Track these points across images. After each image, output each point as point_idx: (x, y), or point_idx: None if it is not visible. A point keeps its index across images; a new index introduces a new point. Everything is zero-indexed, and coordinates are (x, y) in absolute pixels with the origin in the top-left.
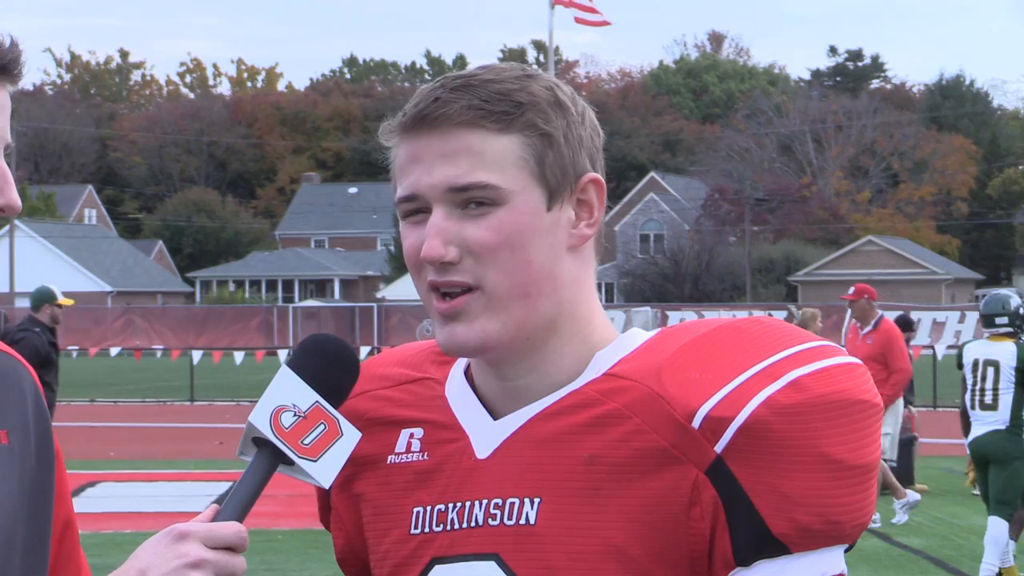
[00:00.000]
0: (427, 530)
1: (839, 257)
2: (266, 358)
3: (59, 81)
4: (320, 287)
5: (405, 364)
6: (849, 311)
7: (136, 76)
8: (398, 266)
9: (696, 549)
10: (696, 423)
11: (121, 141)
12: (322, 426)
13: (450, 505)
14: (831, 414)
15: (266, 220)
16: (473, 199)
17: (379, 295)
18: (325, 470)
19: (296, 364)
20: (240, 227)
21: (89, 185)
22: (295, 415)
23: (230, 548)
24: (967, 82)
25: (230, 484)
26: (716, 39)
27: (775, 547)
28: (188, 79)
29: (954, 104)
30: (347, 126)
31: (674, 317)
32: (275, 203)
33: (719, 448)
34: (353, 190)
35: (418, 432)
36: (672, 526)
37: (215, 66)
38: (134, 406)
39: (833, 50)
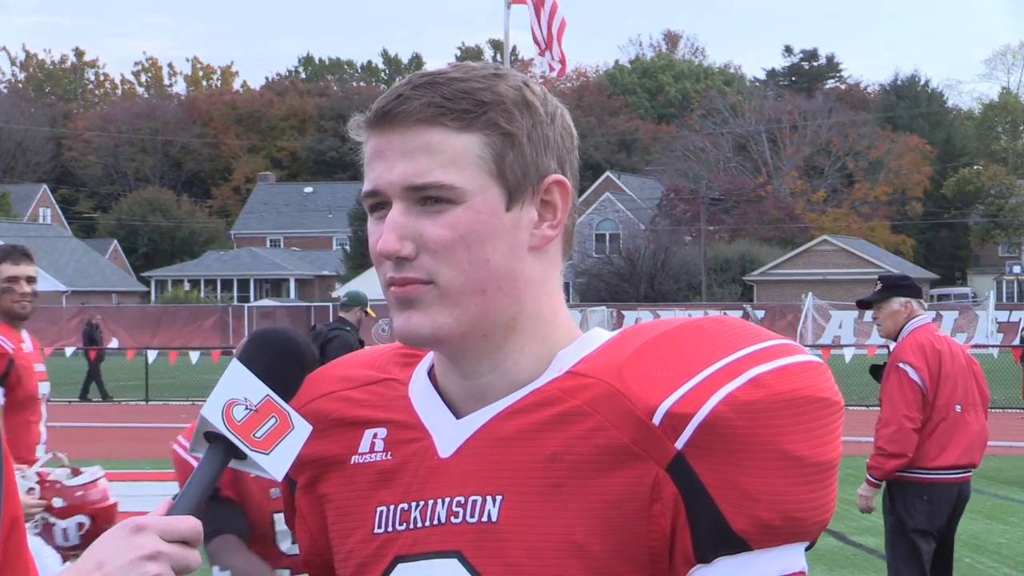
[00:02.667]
0: (390, 529)
1: (794, 257)
2: (222, 358)
3: (13, 80)
4: (276, 287)
5: (368, 366)
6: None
7: (91, 75)
8: (354, 266)
9: (656, 546)
10: (657, 419)
11: (76, 140)
12: (273, 419)
13: (413, 504)
14: (791, 411)
15: (221, 219)
16: (430, 196)
17: (335, 294)
18: (277, 463)
19: (246, 358)
20: (195, 226)
21: (44, 184)
22: (247, 408)
23: (185, 541)
24: (922, 82)
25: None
26: (672, 39)
27: (735, 543)
28: (143, 78)
29: (909, 104)
30: (302, 125)
31: (630, 317)
32: (230, 202)
33: (679, 444)
34: (308, 189)
35: (381, 432)
36: (633, 523)
37: (170, 65)
38: (88, 406)
39: (788, 50)
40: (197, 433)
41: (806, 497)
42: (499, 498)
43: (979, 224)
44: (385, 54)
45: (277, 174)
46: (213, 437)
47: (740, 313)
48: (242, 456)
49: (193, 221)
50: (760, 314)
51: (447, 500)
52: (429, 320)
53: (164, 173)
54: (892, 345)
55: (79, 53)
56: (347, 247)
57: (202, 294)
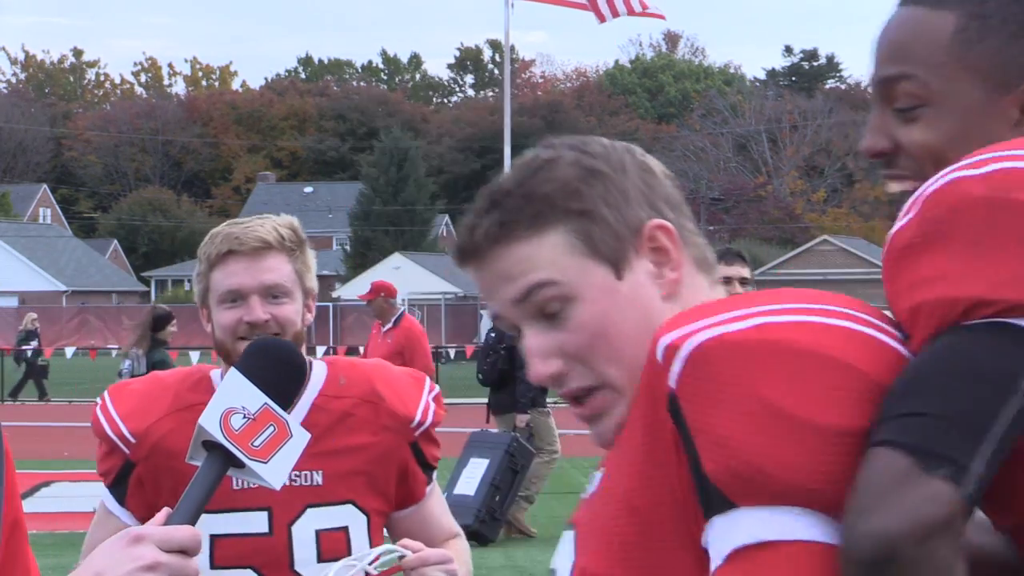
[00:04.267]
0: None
1: (794, 257)
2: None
3: (13, 80)
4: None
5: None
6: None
7: (91, 75)
8: (354, 266)
9: (679, 496)
10: (659, 355)
11: (76, 140)
12: (271, 428)
13: None
14: (784, 359)
15: (221, 219)
16: (545, 308)
17: (335, 294)
18: (275, 471)
19: (244, 367)
20: (195, 226)
21: (44, 184)
22: (244, 417)
23: (183, 551)
24: None
25: None
26: (671, 39)
27: (720, 497)
28: (143, 78)
29: None
30: (303, 125)
31: None
32: (230, 202)
33: (671, 382)
34: (308, 189)
35: None
36: (664, 472)
37: (170, 65)
38: (89, 405)
39: (788, 50)
40: (195, 442)
41: (787, 456)
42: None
43: None
44: (384, 54)
45: (277, 174)
46: (211, 446)
47: None
48: (240, 464)
49: (193, 221)
50: None
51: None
52: (616, 419)
53: (164, 173)
54: None
55: (78, 53)
56: (347, 247)
57: None
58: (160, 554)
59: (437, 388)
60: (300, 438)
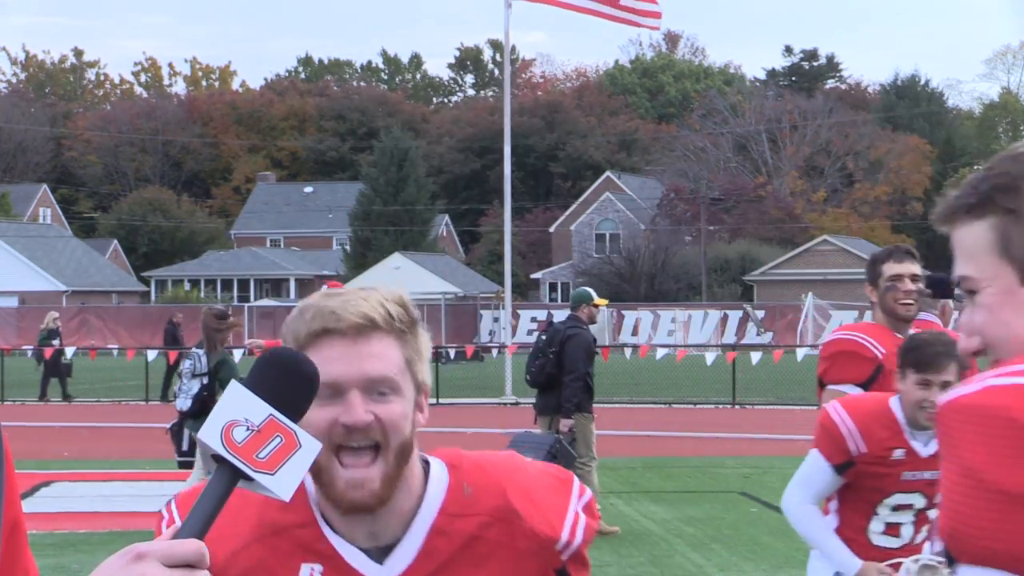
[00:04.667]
0: None
1: (794, 257)
2: None
3: (14, 80)
4: (276, 287)
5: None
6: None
7: (91, 75)
8: (354, 266)
9: None
10: None
11: (76, 140)
12: (278, 438)
13: None
14: (984, 425)
15: (221, 219)
16: (967, 289)
17: None
18: (283, 483)
19: (252, 378)
20: (195, 226)
21: (44, 184)
22: (248, 429)
23: (190, 565)
24: (922, 82)
25: (184, 484)
26: (672, 39)
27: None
28: (143, 78)
29: (909, 104)
30: (302, 125)
31: (630, 317)
32: (230, 202)
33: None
34: (309, 189)
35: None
36: None
37: (170, 65)
38: (89, 405)
39: (788, 50)
40: (204, 455)
41: (977, 517)
42: None
43: None
44: (384, 54)
45: (277, 174)
46: (219, 459)
47: (740, 313)
48: (249, 477)
49: (193, 221)
50: (760, 314)
51: None
52: None
53: (164, 173)
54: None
55: (79, 53)
56: (347, 247)
57: (202, 294)
58: (163, 571)
59: (588, 493)
60: (311, 447)
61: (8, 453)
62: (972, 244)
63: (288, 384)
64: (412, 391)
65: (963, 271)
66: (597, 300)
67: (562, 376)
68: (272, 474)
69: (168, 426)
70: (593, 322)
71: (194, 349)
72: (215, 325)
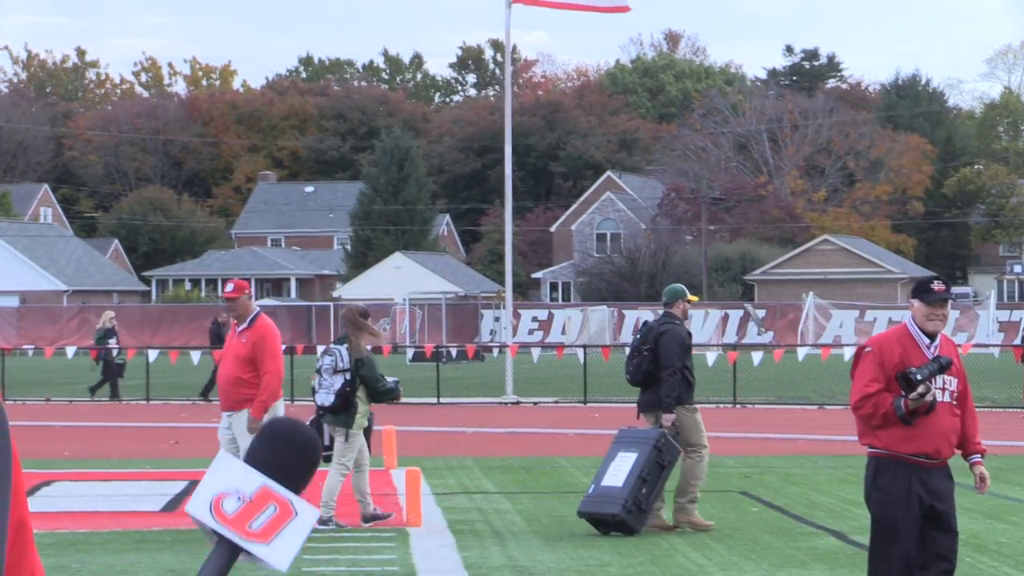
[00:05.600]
0: None
1: (795, 256)
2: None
3: (15, 79)
4: (276, 286)
5: None
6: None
7: (92, 75)
8: (354, 265)
9: None
10: None
11: (77, 140)
12: (272, 508)
13: None
14: None
15: (222, 219)
16: None
17: (335, 294)
18: (279, 553)
19: (251, 450)
20: (196, 226)
21: (45, 184)
22: (239, 500)
23: None
24: (923, 82)
25: (186, 483)
26: (672, 38)
27: None
28: (143, 78)
29: (910, 104)
30: (303, 125)
31: (630, 316)
32: (231, 202)
33: None
34: (309, 189)
35: None
36: None
37: (170, 65)
38: (89, 405)
39: (789, 49)
40: (203, 528)
41: None
42: None
43: (980, 223)
44: (385, 54)
45: (278, 173)
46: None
47: (741, 312)
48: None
49: (194, 220)
50: (761, 313)
51: None
52: None
53: (165, 173)
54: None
55: (80, 53)
56: (348, 246)
57: (203, 293)
58: None
59: None
60: (308, 516)
61: (15, 453)
62: None
63: (286, 454)
64: None
65: None
66: (690, 296)
67: (659, 372)
68: (267, 544)
69: (306, 423)
70: (686, 317)
71: (333, 345)
72: (357, 322)
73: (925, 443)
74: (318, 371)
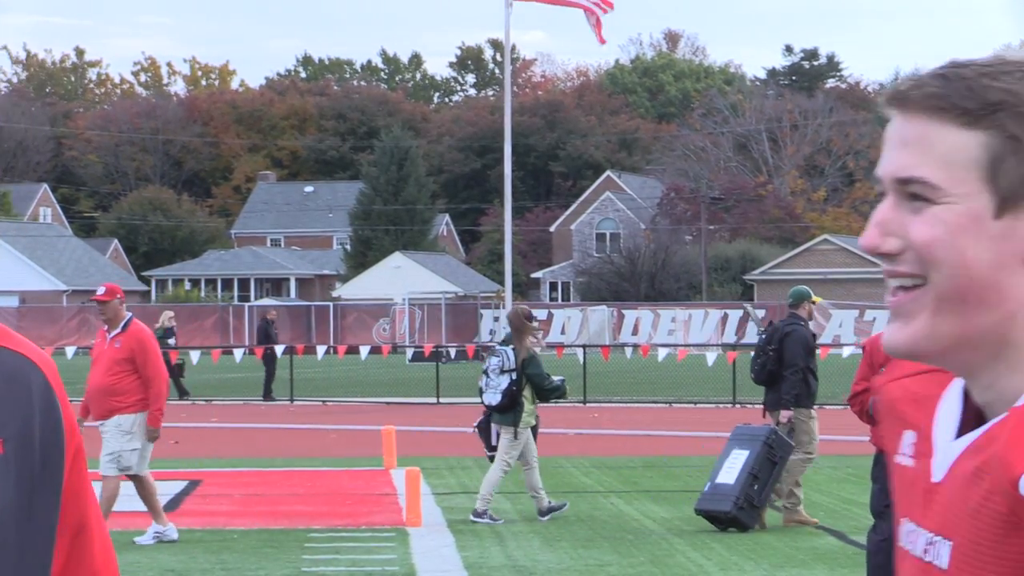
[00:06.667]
0: (904, 545)
1: (795, 256)
2: (222, 357)
3: (15, 79)
4: (276, 286)
5: None
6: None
7: (91, 74)
8: (354, 265)
9: None
10: None
11: (76, 140)
12: None
13: (915, 526)
14: None
15: (222, 219)
16: (914, 193)
17: (335, 294)
18: None
19: None
20: (196, 226)
21: (44, 184)
22: None
23: None
24: None
25: (185, 484)
26: (672, 38)
27: None
28: (143, 78)
29: None
30: (303, 125)
31: (630, 316)
32: (231, 202)
33: None
34: (309, 189)
35: (911, 436)
36: None
37: (169, 65)
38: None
39: (789, 49)
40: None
41: None
42: (948, 543)
43: None
44: (384, 53)
45: (277, 173)
46: None
47: (740, 312)
48: None
49: (193, 220)
50: (761, 313)
51: (927, 535)
52: (909, 333)
53: (164, 172)
54: None
55: (80, 52)
56: (347, 246)
57: (202, 293)
58: None
59: None
60: None
61: (81, 452)
62: (950, 151)
63: None
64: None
65: (923, 174)
66: (815, 298)
67: (783, 371)
68: None
69: (475, 424)
70: (811, 318)
71: (499, 346)
72: (522, 324)
73: None
74: (485, 372)
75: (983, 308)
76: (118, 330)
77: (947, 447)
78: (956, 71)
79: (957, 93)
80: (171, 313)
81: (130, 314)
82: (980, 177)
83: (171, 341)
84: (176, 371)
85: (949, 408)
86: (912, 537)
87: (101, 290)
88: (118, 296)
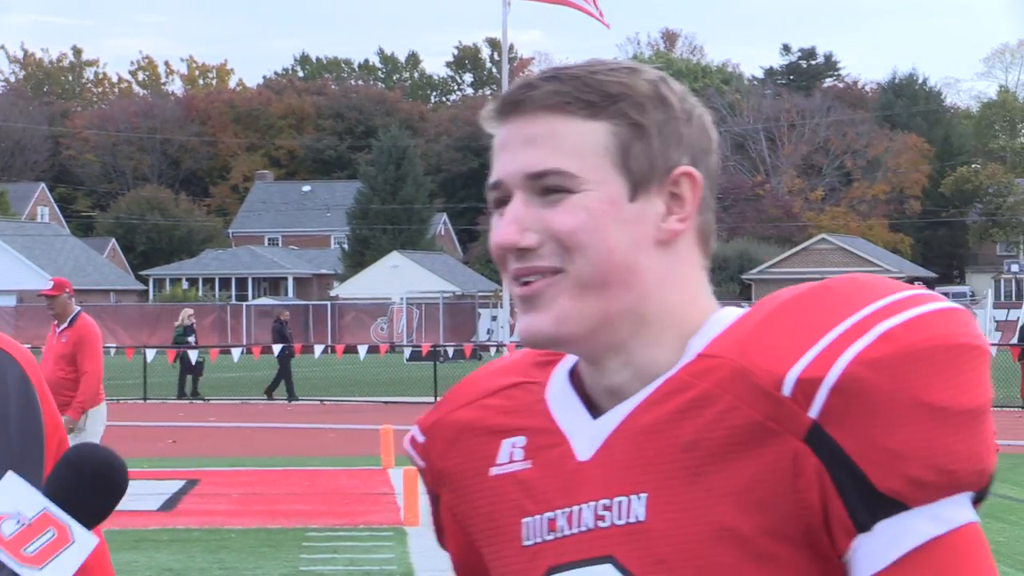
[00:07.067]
0: (539, 540)
1: (792, 255)
2: (220, 356)
3: (12, 78)
4: (274, 285)
5: (507, 371)
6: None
7: (89, 74)
8: (352, 264)
9: (809, 521)
10: (786, 390)
11: (74, 139)
12: (50, 533)
13: (559, 512)
14: (925, 362)
15: (219, 218)
16: (550, 186)
17: (333, 293)
18: None
19: (49, 476)
20: (193, 225)
21: (42, 183)
22: (18, 523)
23: None
24: (920, 81)
25: (183, 483)
26: (670, 37)
27: (890, 505)
28: (140, 77)
29: (907, 103)
30: (300, 124)
31: None
32: (228, 201)
33: (813, 413)
34: (307, 188)
35: (519, 440)
36: (780, 500)
37: (167, 64)
38: None
39: (786, 48)
40: None
41: (957, 447)
42: (644, 496)
43: (977, 223)
44: (382, 53)
45: (275, 173)
46: None
47: None
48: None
49: (191, 220)
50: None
51: (593, 504)
52: (552, 318)
53: (162, 172)
54: None
55: (77, 52)
56: (345, 246)
57: (200, 293)
58: None
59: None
60: (85, 543)
61: (65, 443)
62: (581, 141)
63: (79, 481)
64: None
65: (560, 164)
66: None
67: None
68: (39, 569)
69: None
70: None
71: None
72: None
73: None
74: None
75: (623, 289)
76: (65, 325)
77: (590, 427)
78: (565, 73)
79: (577, 89)
80: (191, 311)
81: (79, 308)
82: (612, 163)
83: (191, 339)
84: (196, 369)
85: (563, 401)
86: (560, 522)
87: (49, 284)
88: (66, 290)
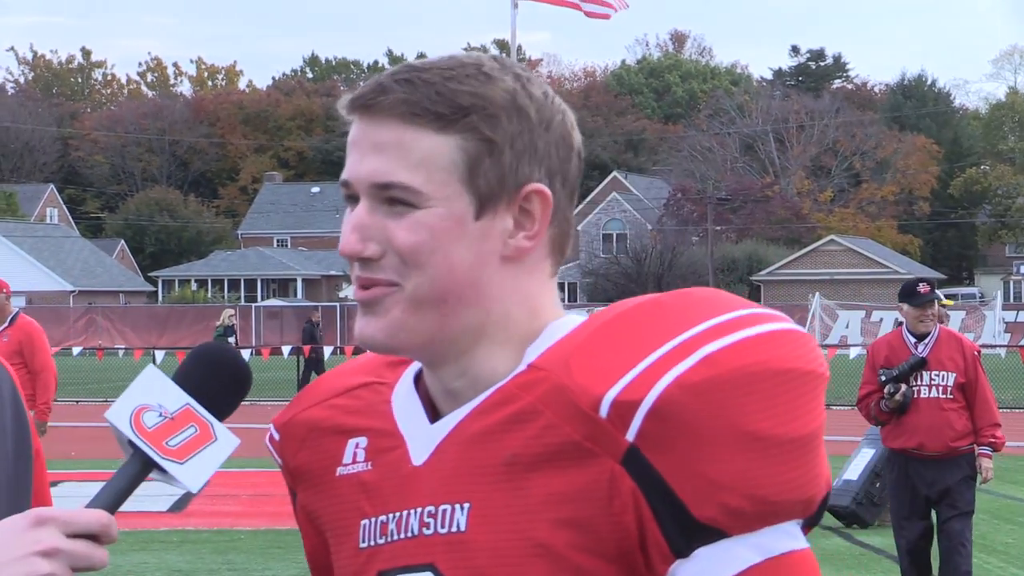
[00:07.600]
0: (372, 543)
1: (801, 257)
2: None
3: (21, 80)
4: (283, 287)
5: (361, 370)
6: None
7: (98, 75)
8: None
9: (626, 543)
10: (603, 412)
11: (83, 140)
12: (192, 429)
13: (391, 516)
14: (747, 388)
15: (228, 219)
16: (395, 198)
17: (342, 295)
18: (193, 474)
19: (181, 369)
20: (202, 226)
21: (51, 184)
22: (160, 416)
23: (93, 537)
24: (929, 82)
25: None
26: (678, 39)
27: (708, 532)
28: (149, 78)
29: (916, 104)
30: (309, 125)
31: None
32: (237, 202)
33: (630, 436)
34: (316, 189)
35: (362, 441)
36: (596, 520)
37: (176, 65)
38: (96, 406)
39: (795, 50)
40: (120, 440)
41: (778, 478)
42: (467, 505)
43: (986, 224)
44: (390, 53)
45: (284, 174)
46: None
47: None
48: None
49: (200, 221)
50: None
51: (419, 510)
52: (385, 326)
53: (171, 173)
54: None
55: (86, 53)
56: None
57: (209, 294)
58: (61, 540)
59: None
60: (227, 443)
61: (40, 453)
62: (428, 156)
63: (212, 378)
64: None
65: (403, 178)
66: (944, 300)
67: None
68: (181, 463)
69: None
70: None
71: None
72: None
73: (908, 439)
74: None
75: (461, 305)
76: (5, 324)
77: (427, 431)
78: (420, 76)
79: (428, 98)
80: (232, 311)
81: (17, 309)
82: (460, 179)
83: (231, 340)
84: None
85: (405, 403)
86: (391, 526)
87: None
88: (3, 291)
